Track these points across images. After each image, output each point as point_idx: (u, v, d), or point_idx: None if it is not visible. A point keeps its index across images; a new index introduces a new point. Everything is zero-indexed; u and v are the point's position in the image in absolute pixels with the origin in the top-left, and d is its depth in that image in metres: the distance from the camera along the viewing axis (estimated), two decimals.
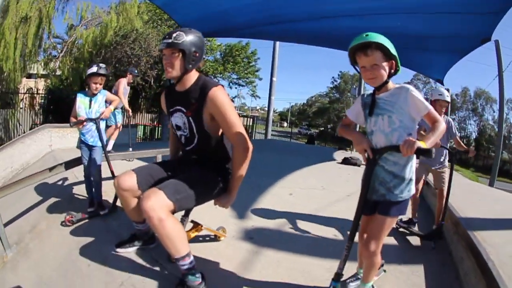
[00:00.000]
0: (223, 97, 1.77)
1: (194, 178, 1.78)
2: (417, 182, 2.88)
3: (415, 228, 2.99)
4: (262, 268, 2.16)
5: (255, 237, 2.65)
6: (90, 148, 2.91)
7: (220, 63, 16.30)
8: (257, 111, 53.67)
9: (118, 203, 2.89)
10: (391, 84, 1.57)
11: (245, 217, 3.11)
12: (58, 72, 13.08)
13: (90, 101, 2.88)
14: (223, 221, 2.75)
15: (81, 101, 2.88)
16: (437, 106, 2.87)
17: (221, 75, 17.11)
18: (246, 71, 17.47)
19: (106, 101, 3.01)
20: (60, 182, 3.71)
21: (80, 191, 3.43)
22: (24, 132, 9.11)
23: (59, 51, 13.44)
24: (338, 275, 1.65)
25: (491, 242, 2.16)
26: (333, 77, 36.81)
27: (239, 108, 28.55)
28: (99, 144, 2.90)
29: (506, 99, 28.35)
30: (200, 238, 2.47)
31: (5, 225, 2.59)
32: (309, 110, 43.57)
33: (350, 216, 3.20)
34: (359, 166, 7.57)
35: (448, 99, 2.93)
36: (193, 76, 1.86)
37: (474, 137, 31.45)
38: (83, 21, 13.33)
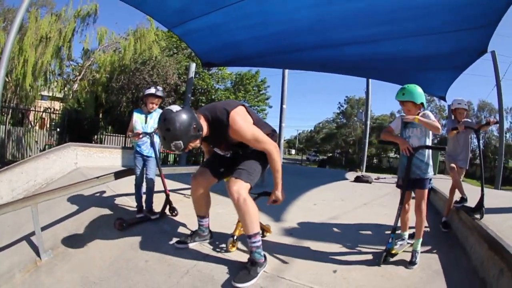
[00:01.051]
0: (238, 124, 2.08)
1: (252, 161, 2.24)
2: (451, 169, 3.33)
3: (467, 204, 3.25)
4: (307, 253, 2.54)
5: (293, 233, 3.06)
6: (145, 159, 3.20)
7: (231, 92, 16.72)
8: None
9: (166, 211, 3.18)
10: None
11: (282, 221, 3.44)
12: (72, 95, 13.41)
13: (146, 117, 3.22)
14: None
15: (137, 116, 3.22)
16: (457, 113, 3.43)
17: None
18: (256, 99, 17.87)
19: None
20: (97, 194, 3.89)
21: (121, 201, 3.66)
22: (41, 151, 9.26)
23: (77, 73, 13.87)
24: (394, 229, 2.37)
25: (490, 220, 2.68)
26: (339, 103, 37.02)
27: None
28: (153, 155, 3.20)
29: (509, 107, 28.25)
30: None
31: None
32: (316, 137, 43.75)
33: (369, 219, 3.73)
34: (370, 183, 7.82)
35: (466, 107, 3.43)
36: (204, 125, 2.10)
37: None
38: (100, 46, 13.86)
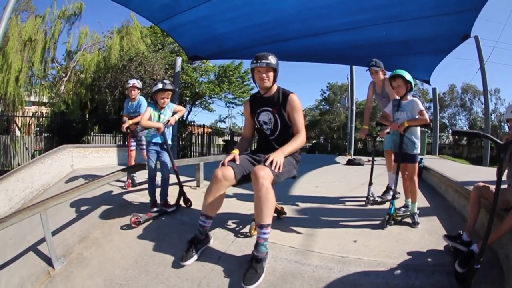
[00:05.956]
0: (299, 101, 2.44)
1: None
2: None
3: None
4: (325, 229, 2.72)
5: (308, 212, 3.26)
6: (159, 151, 3.19)
7: (216, 84, 16.54)
8: None
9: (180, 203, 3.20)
10: (408, 96, 2.89)
11: (291, 202, 3.58)
12: (56, 97, 13.12)
13: (160, 114, 3.19)
14: None
15: (152, 113, 3.17)
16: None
17: (217, 96, 17.43)
18: (241, 90, 17.75)
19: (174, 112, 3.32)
20: (103, 194, 3.78)
21: (130, 198, 3.62)
22: (32, 158, 9.00)
23: (63, 75, 13.54)
24: (393, 196, 2.88)
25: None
26: (321, 89, 36.91)
27: (230, 127, 28.60)
28: (167, 144, 3.18)
29: (493, 89, 28.48)
30: None
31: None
32: None
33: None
34: (362, 165, 8.10)
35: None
36: (275, 86, 2.49)
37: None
38: (83, 45, 13.58)
